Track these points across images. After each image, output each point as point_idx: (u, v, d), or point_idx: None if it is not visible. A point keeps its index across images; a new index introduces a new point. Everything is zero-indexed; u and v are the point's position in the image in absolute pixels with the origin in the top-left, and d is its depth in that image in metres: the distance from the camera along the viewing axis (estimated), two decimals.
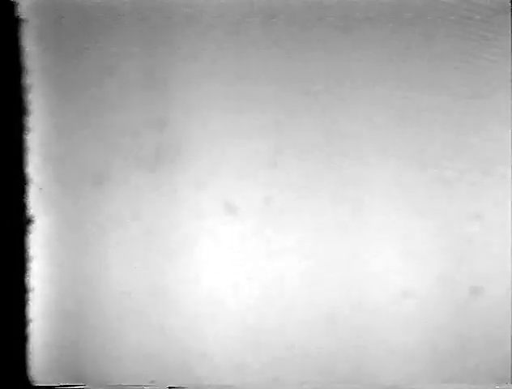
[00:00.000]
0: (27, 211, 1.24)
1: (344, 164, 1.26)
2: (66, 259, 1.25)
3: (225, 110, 1.25)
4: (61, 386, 1.25)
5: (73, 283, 1.25)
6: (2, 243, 1.21)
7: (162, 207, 1.25)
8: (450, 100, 1.25)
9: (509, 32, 1.24)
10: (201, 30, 1.25)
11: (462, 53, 1.25)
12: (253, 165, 1.25)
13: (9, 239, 1.22)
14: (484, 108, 1.25)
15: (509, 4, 1.24)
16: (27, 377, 1.23)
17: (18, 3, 1.23)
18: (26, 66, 1.24)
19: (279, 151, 1.25)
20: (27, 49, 1.24)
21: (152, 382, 1.26)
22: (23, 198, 1.23)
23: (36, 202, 1.24)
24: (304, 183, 1.25)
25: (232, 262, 1.26)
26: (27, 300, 1.23)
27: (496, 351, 1.25)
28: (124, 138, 1.25)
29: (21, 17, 1.24)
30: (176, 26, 1.25)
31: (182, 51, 1.25)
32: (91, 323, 1.26)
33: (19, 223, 1.23)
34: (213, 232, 1.26)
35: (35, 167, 1.24)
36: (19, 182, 1.23)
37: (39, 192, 1.24)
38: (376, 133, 1.25)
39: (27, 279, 1.23)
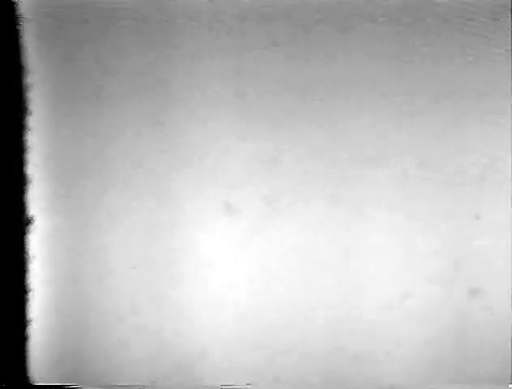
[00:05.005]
0: (27, 211, 1.23)
1: (344, 164, 1.26)
2: (66, 259, 1.25)
3: (225, 110, 1.26)
4: (61, 386, 1.24)
5: (73, 283, 1.25)
6: (2, 243, 1.21)
7: (162, 208, 1.25)
8: (450, 100, 1.25)
9: (509, 32, 1.24)
10: (201, 30, 1.25)
11: (462, 54, 1.25)
12: (253, 165, 1.26)
13: (9, 239, 1.22)
14: (484, 108, 1.26)
15: (510, 4, 1.24)
16: (27, 377, 1.23)
17: (18, 3, 1.23)
18: (26, 65, 1.24)
19: (279, 152, 1.25)
20: (27, 49, 1.24)
21: (152, 382, 1.26)
22: (23, 198, 1.23)
23: (36, 202, 1.24)
24: (304, 183, 1.26)
25: (231, 262, 1.26)
26: (27, 300, 1.23)
27: (496, 351, 1.25)
28: (124, 138, 1.25)
29: (21, 16, 1.24)
30: (176, 26, 1.25)
31: (182, 51, 1.25)
32: (90, 324, 1.26)
33: (19, 223, 1.23)
34: (213, 233, 1.26)
35: (35, 166, 1.24)
36: (19, 182, 1.23)
37: (39, 192, 1.25)
38: (376, 133, 1.26)
39: (27, 279, 1.23)
